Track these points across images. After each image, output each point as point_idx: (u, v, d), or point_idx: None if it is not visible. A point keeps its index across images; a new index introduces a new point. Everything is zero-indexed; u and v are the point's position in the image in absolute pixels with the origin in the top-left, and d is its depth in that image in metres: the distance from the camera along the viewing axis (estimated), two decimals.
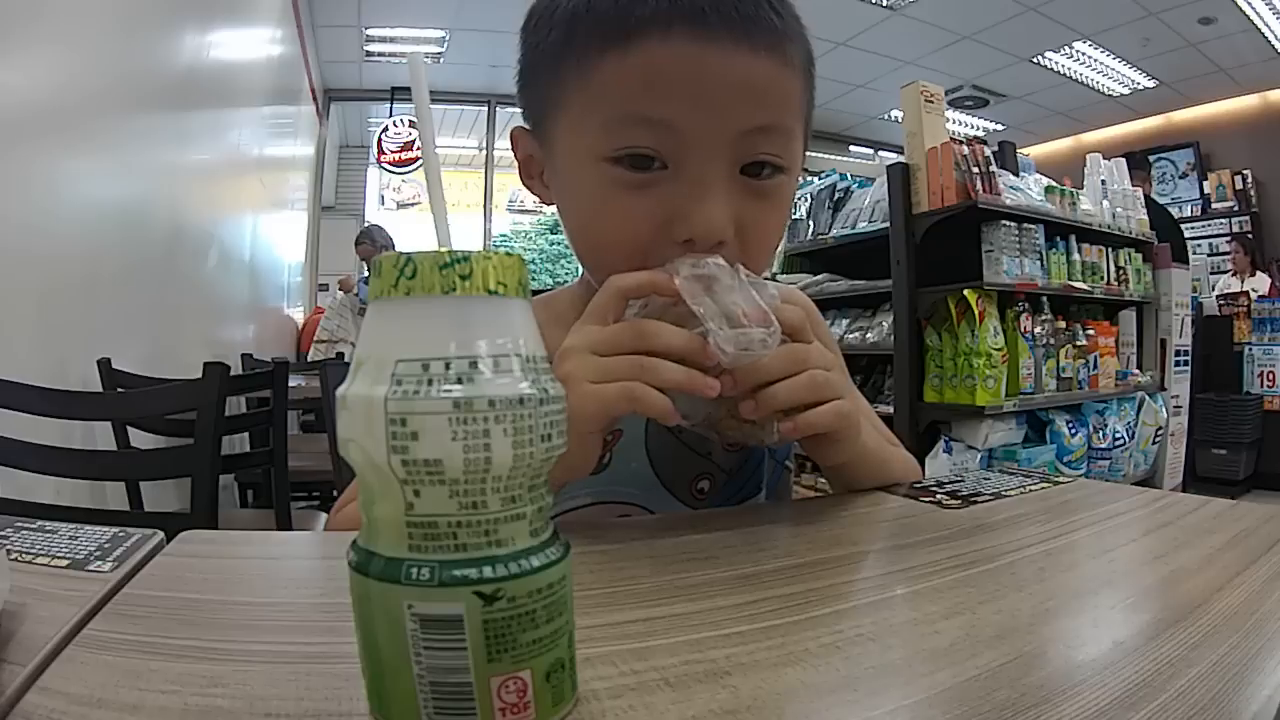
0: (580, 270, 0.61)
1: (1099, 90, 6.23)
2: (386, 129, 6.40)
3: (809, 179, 3.29)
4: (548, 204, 0.56)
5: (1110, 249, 2.53)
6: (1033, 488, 0.57)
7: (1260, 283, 4.84)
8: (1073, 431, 2.31)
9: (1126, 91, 6.24)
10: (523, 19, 0.53)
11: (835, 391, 0.46)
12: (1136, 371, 2.60)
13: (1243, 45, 5.23)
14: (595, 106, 0.48)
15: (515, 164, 0.58)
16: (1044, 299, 2.28)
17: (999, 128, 7.02)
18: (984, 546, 0.43)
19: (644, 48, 0.45)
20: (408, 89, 0.32)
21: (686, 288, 0.43)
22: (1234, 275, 5.09)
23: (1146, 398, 2.57)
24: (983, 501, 0.53)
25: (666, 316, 0.44)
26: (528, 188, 0.57)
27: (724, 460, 0.57)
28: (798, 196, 2.97)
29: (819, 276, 2.70)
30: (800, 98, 0.51)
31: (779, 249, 2.93)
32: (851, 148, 7.66)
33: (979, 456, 2.14)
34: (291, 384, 1.80)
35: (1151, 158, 6.57)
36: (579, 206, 0.52)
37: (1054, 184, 2.43)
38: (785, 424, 0.45)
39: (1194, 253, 4.20)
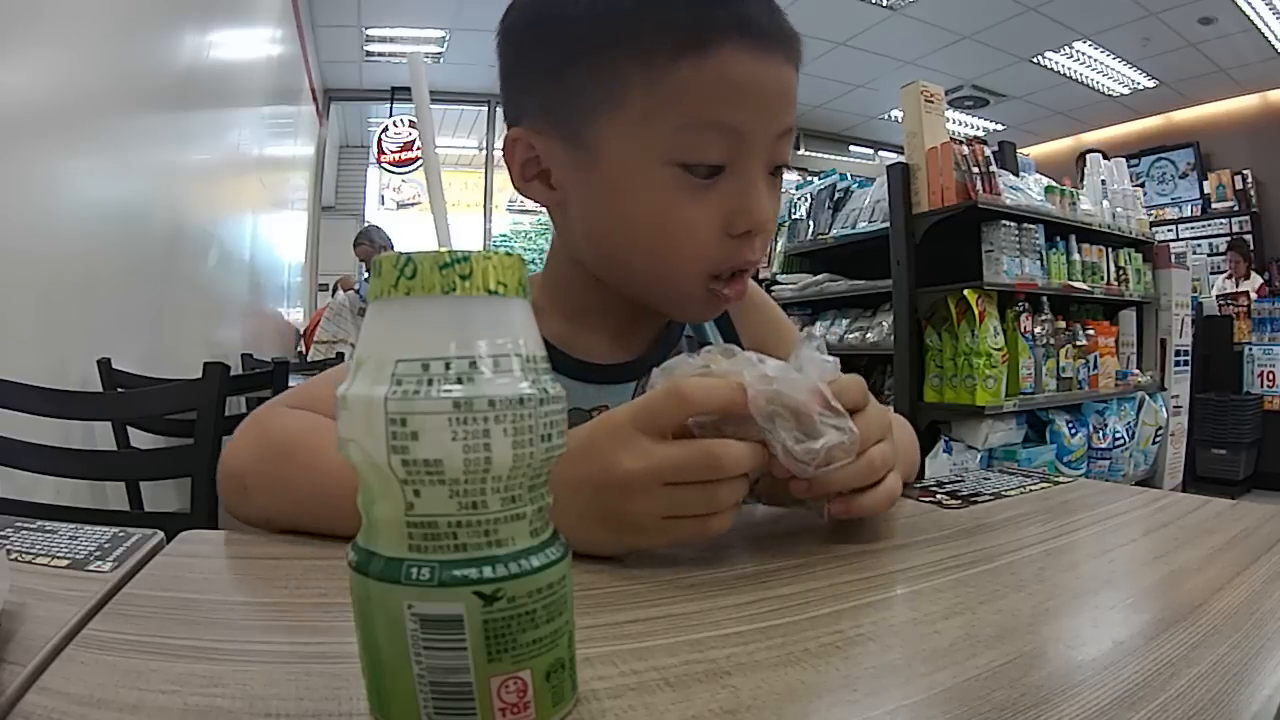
0: (544, 257, 0.61)
1: (1099, 90, 6.23)
2: (386, 129, 6.40)
3: (809, 179, 3.29)
4: (547, 205, 0.54)
5: (1110, 249, 2.53)
6: (1033, 488, 0.57)
7: (1252, 284, 4.85)
8: (1073, 431, 2.30)
9: (1126, 91, 6.24)
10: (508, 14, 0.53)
11: (889, 466, 0.43)
12: (1136, 371, 2.60)
13: (1243, 45, 5.23)
14: (668, 110, 0.47)
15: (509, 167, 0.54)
16: (1044, 299, 2.27)
17: (999, 128, 7.02)
18: (984, 546, 0.43)
19: (720, 56, 0.46)
20: (408, 89, 0.32)
21: (758, 402, 0.39)
22: (1229, 278, 5.09)
23: (1146, 398, 2.57)
24: (983, 501, 0.53)
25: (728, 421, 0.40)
26: (522, 190, 0.54)
27: None
28: (798, 196, 2.97)
29: (819, 276, 2.70)
30: None
31: (779, 248, 2.93)
32: (851, 148, 7.66)
33: (979, 456, 2.13)
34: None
35: (1152, 158, 6.58)
36: (632, 209, 0.50)
37: (1054, 184, 2.43)
38: (836, 506, 0.42)
39: (1194, 253, 4.19)
